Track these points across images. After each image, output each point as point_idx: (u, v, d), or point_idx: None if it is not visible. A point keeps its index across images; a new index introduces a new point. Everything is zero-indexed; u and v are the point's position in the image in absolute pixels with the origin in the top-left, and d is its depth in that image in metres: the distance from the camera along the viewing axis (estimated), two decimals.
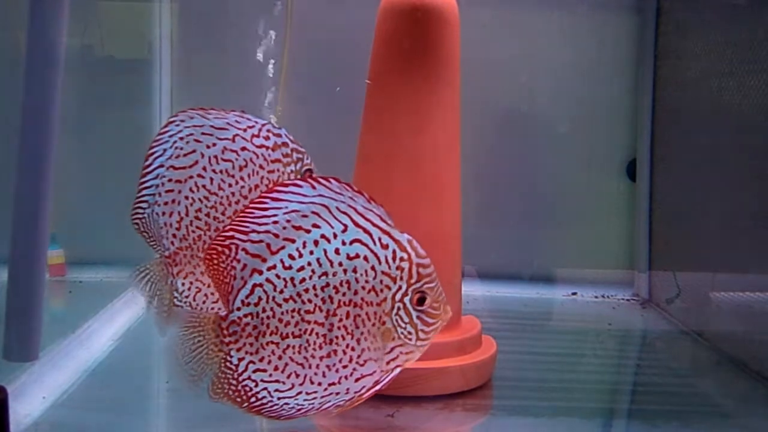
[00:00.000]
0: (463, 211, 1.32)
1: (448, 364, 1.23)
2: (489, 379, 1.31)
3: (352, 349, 0.97)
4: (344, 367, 0.97)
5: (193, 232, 1.07)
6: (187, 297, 1.09)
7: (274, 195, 0.95)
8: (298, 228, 0.95)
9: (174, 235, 1.08)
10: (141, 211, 1.08)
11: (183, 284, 1.09)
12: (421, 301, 0.96)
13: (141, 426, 1.16)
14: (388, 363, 0.98)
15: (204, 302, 1.08)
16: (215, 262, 0.97)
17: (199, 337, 0.97)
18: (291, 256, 0.95)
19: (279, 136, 1.07)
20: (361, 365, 0.98)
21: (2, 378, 0.95)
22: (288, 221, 0.95)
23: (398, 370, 1.00)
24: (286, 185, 0.95)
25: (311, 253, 0.95)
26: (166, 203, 1.07)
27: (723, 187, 1.60)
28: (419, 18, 1.23)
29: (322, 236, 0.95)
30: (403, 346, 0.98)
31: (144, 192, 1.08)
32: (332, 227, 0.94)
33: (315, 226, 0.95)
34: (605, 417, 1.28)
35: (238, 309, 0.97)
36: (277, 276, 0.96)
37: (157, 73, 1.93)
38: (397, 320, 0.96)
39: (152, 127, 1.91)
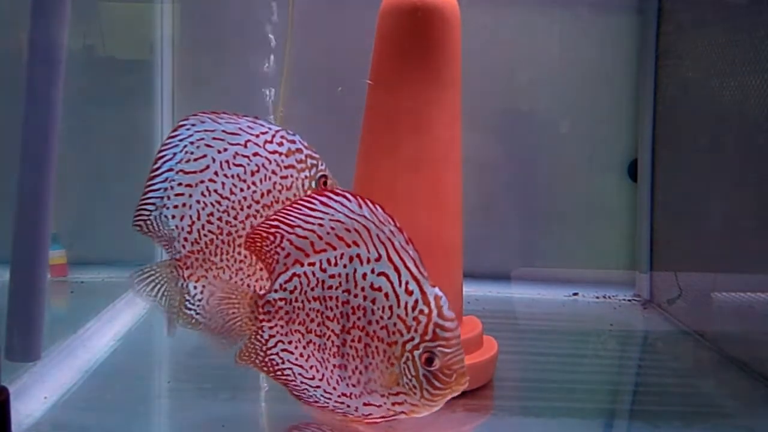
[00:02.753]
0: (465, 211, 1.32)
1: None
2: (490, 379, 1.31)
3: (360, 373, 0.97)
4: (353, 385, 0.98)
5: (205, 236, 1.07)
6: (200, 301, 1.09)
7: (324, 199, 0.95)
8: (341, 239, 0.95)
9: (185, 239, 1.08)
10: (146, 213, 1.08)
11: (195, 287, 1.09)
12: (429, 361, 0.93)
13: (143, 426, 1.16)
14: (393, 405, 0.97)
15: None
16: (258, 244, 1.00)
17: (234, 309, 1.01)
18: (329, 261, 0.96)
19: (293, 142, 1.07)
20: (369, 393, 0.97)
21: (4, 378, 0.94)
22: (332, 228, 0.95)
23: (403, 416, 0.98)
24: (336, 193, 0.95)
25: (344, 266, 0.95)
26: (176, 207, 1.07)
27: (724, 188, 1.60)
28: (420, 18, 1.23)
29: (358, 256, 0.95)
30: (408, 396, 0.95)
31: (150, 195, 1.08)
32: (368, 252, 0.94)
33: (354, 243, 0.95)
34: (607, 417, 1.28)
35: (275, 291, 1.00)
36: (314, 273, 0.97)
37: (158, 74, 1.93)
38: (404, 369, 0.94)
39: (153, 128, 1.91)
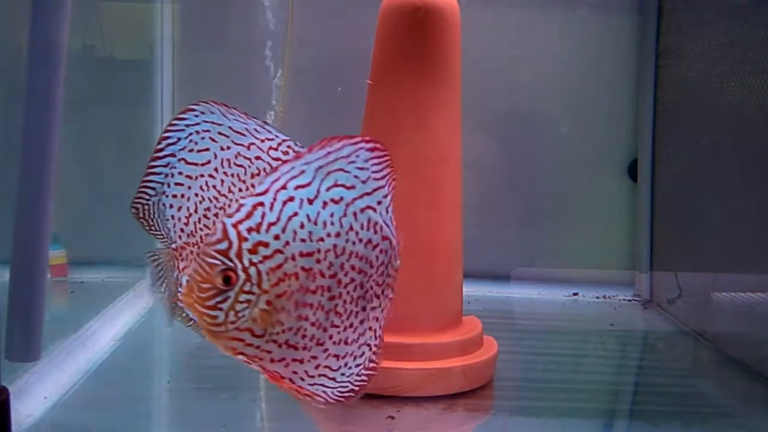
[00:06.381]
0: (465, 211, 1.32)
1: (450, 364, 1.23)
2: (490, 379, 1.31)
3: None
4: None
5: (201, 230, 1.07)
6: None
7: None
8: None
9: (182, 230, 1.07)
10: (146, 197, 1.07)
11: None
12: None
13: (142, 426, 1.16)
14: None
15: None
16: None
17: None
18: None
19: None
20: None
21: (4, 378, 0.95)
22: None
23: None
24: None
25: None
26: (174, 196, 1.07)
27: (724, 188, 1.60)
28: (420, 18, 1.23)
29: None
30: None
31: (152, 177, 1.07)
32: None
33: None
34: (607, 417, 1.28)
35: None
36: None
37: (158, 74, 1.93)
38: None
39: (153, 128, 1.91)
